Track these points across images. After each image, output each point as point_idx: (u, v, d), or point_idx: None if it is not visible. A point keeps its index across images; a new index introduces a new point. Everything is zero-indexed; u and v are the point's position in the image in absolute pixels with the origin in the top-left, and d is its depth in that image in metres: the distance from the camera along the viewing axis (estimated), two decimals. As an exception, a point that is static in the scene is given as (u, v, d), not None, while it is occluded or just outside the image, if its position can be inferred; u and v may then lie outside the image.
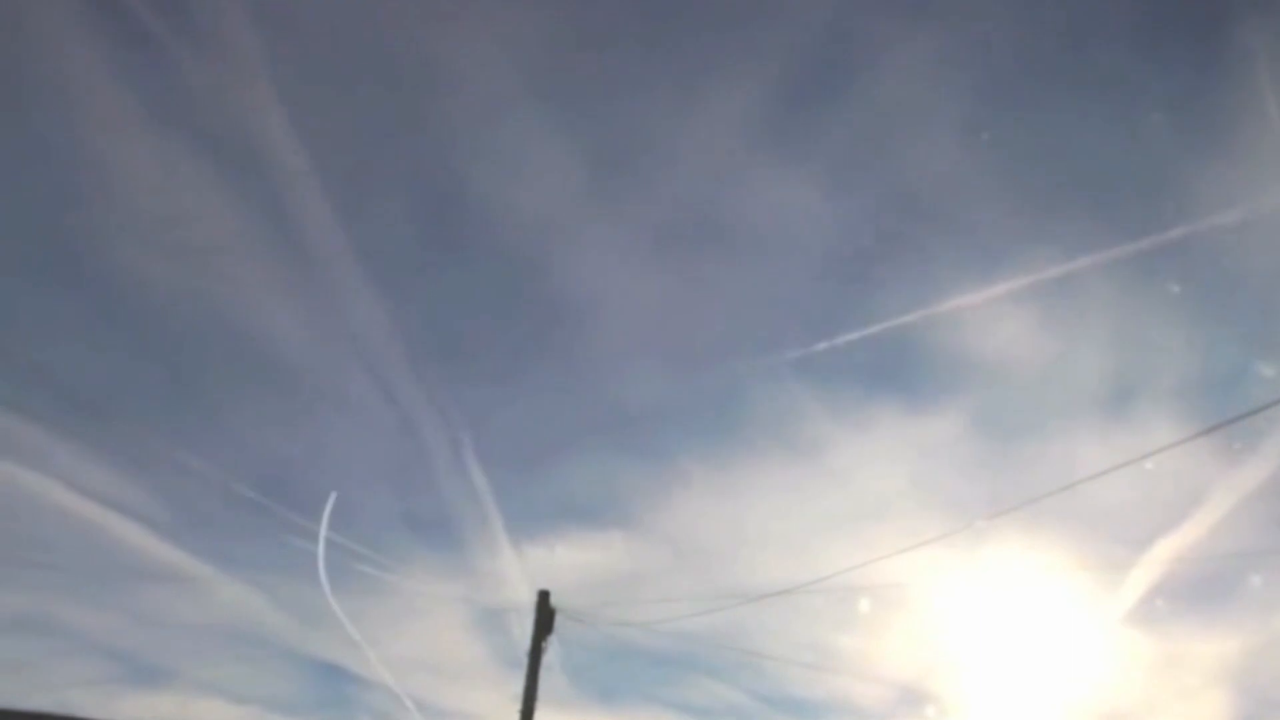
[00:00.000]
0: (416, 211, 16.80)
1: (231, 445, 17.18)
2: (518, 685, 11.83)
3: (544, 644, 12.59)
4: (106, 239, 16.45)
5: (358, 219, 15.92)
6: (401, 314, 16.83)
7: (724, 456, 16.97)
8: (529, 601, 12.58)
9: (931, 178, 14.77)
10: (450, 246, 17.53)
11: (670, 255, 16.42)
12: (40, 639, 15.89)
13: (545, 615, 12.68)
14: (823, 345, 13.60)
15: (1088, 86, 12.58)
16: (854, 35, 13.42)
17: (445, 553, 16.00)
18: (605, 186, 12.35)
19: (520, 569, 12.70)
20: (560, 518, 17.35)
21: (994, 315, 13.23)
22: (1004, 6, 13.37)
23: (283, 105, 14.97)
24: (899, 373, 15.89)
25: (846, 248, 15.53)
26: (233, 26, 14.68)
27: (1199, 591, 13.74)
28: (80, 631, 16.20)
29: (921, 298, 13.77)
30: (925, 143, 14.38)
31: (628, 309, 17.07)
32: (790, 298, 16.07)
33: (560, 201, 12.23)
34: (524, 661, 12.21)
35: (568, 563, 14.55)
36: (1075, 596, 13.56)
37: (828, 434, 15.86)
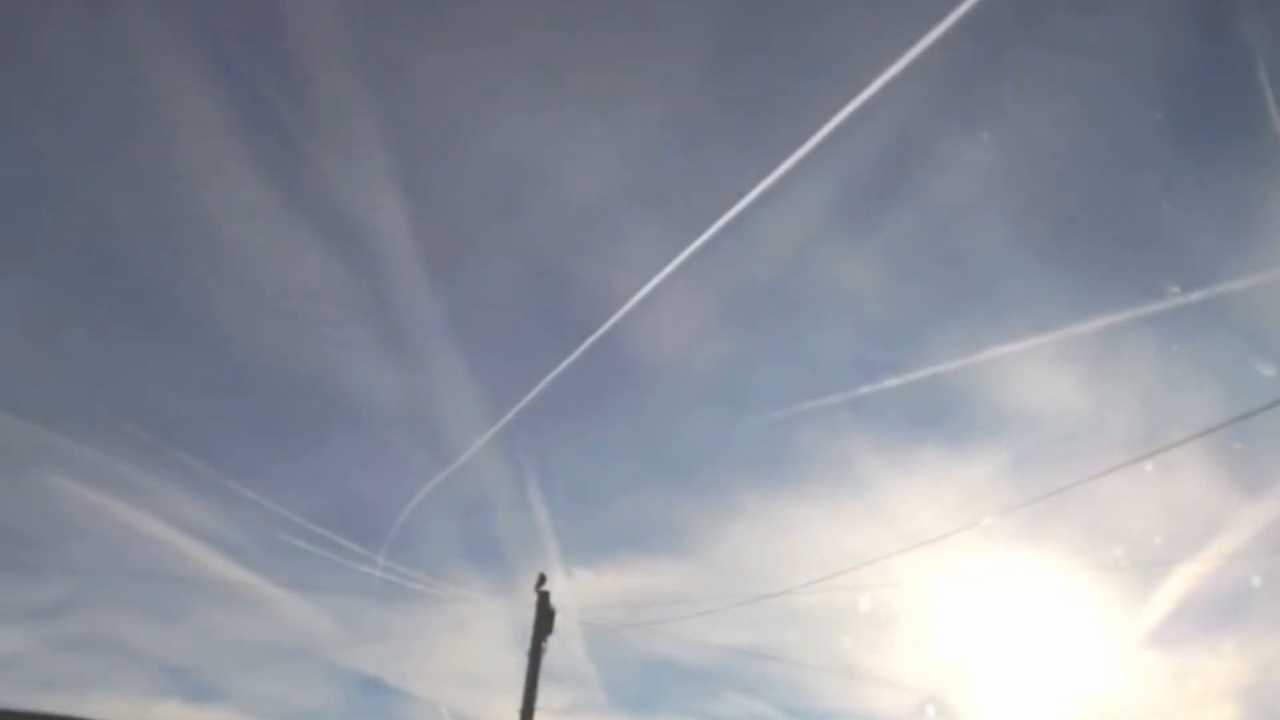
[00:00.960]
0: (506, 286, 18.81)
1: (317, 482, 19.08)
2: (551, 697, 12.00)
3: (544, 644, 12.61)
4: (223, 301, 18.35)
5: (453, 292, 18.05)
6: (483, 371, 18.29)
7: (775, 490, 17.96)
8: (573, 624, 12.72)
9: (979, 249, 16.29)
10: (537, 314, 19.35)
11: (739, 316, 18.05)
12: (104, 655, 17.06)
13: (545, 616, 12.71)
14: (867, 389, 14.22)
15: (1126, 164, 13.38)
16: (918, 142, 15.28)
17: (497, 576, 17.71)
18: (690, 265, 13.94)
19: (568, 590, 13.39)
20: (612, 545, 18.46)
21: (1033, 367, 14.03)
22: (1047, 112, 14.61)
23: (395, 189, 16.80)
24: (943, 418, 16.67)
25: (899, 309, 16.85)
26: (357, 120, 16.42)
27: (1215, 613, 13.99)
28: (143, 649, 17.35)
29: (964, 348, 14.59)
30: (976, 224, 16.08)
31: (695, 361, 18.51)
32: (844, 349, 17.41)
33: (643, 276, 13.80)
34: (560, 676, 12.31)
35: (614, 585, 15.34)
36: (1097, 616, 13.90)
37: (874, 472, 16.66)
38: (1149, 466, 9.73)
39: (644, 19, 15.48)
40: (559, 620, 12.67)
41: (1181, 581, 14.04)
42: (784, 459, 17.88)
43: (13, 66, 15.82)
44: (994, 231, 16.03)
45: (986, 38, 12.15)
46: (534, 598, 12.65)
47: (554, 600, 12.54)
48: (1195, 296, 11.58)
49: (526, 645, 12.21)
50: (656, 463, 19.53)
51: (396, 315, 17.96)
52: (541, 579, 12.83)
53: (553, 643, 12.29)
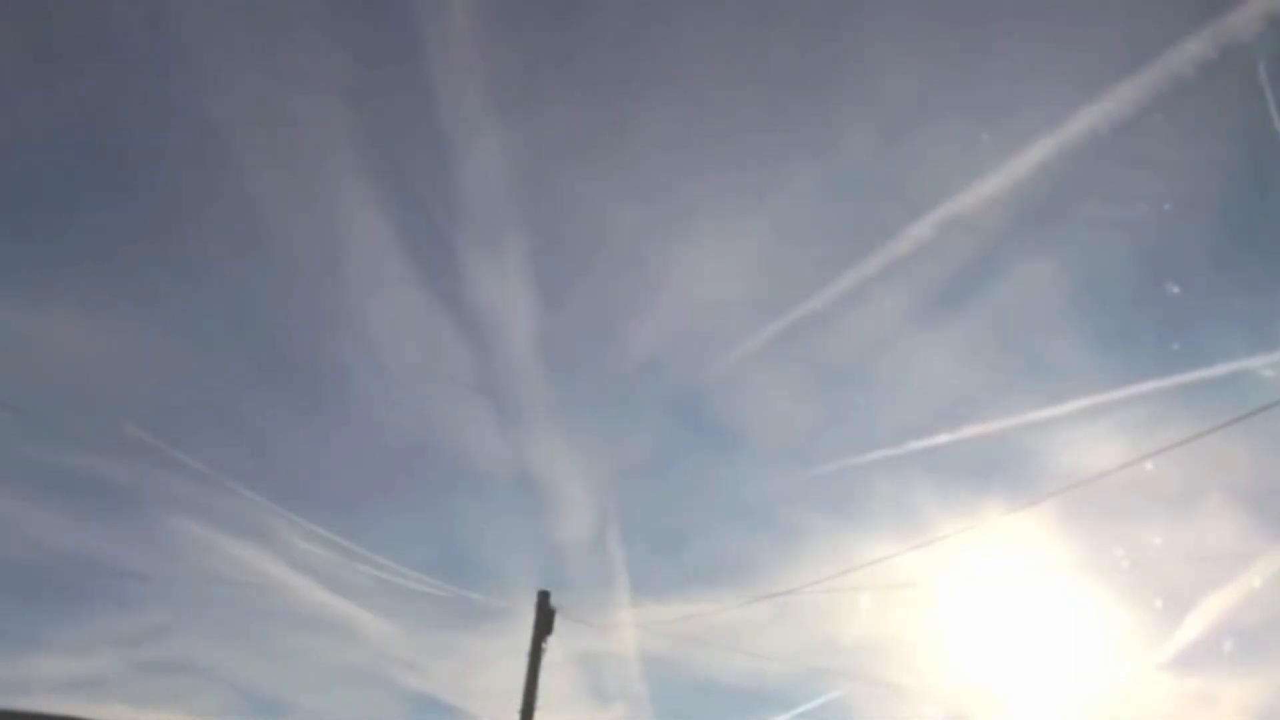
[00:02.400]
0: (614, 371, 20.41)
1: (426, 533, 20.46)
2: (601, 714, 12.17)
3: (544, 644, 12.60)
4: (361, 374, 20.25)
5: (567, 376, 19.76)
6: (585, 441, 19.95)
7: (842, 532, 19.10)
8: (631, 651, 13.31)
9: (1040, 343, 18.47)
10: (640, 397, 20.92)
11: (820, 390, 20.08)
12: (184, 677, 18.13)
13: (545, 616, 12.69)
14: (929, 444, 15.73)
15: (1174, 277, 15.27)
16: (991, 262, 17.61)
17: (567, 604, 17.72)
18: (783, 349, 17.19)
19: (632, 618, 14.78)
20: (682, 580, 19.90)
21: (1083, 428, 15.36)
22: (1105, 246, 16.93)
23: (526, 282, 18.58)
24: (999, 474, 17.79)
25: (964, 385, 18.82)
26: (499, 219, 18.17)
27: (1239, 642, 14.33)
28: (223, 671, 18.25)
29: (1019, 412, 16.16)
30: (1039, 324, 18.42)
31: (776, 424, 20.31)
32: (912, 415, 18.64)
33: (737, 353, 17.19)
34: (612, 696, 12.40)
35: (673, 614, 16.12)
36: (1122, 642, 14.45)
37: (936, 519, 17.83)
38: (1149, 465, 9.81)
39: (760, 157, 18.07)
40: (614, 646, 12.68)
41: (1206, 613, 14.33)
42: (852, 505, 19.02)
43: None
44: (1056, 329, 18.25)
45: (1052, 181, 13.90)
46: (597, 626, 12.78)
47: (617, 628, 12.69)
48: (1224, 369, 13.08)
49: (585, 666, 12.37)
50: (731, 508, 20.96)
51: (514, 395, 19.63)
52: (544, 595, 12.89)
53: (607, 664, 12.47)
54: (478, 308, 19.67)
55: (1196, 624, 14.30)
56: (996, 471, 17.67)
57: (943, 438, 15.67)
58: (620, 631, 13.96)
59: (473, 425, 20.19)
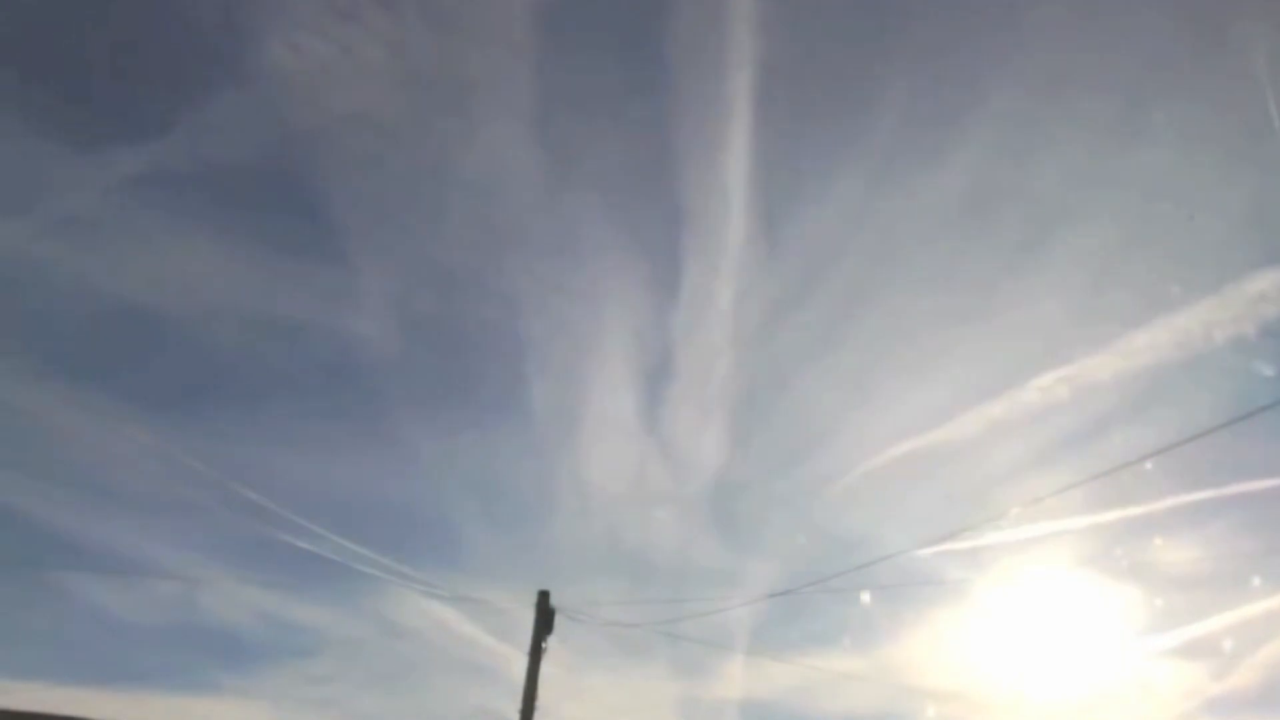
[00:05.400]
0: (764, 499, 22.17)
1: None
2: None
3: (544, 644, 12.53)
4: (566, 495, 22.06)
5: (739, 491, 22.04)
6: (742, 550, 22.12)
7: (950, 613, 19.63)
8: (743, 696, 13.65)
9: None
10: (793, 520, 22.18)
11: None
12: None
13: (545, 615, 12.62)
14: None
15: None
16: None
17: (684, 663, 19.43)
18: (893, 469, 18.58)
19: (742, 674, 16.38)
20: (798, 641, 20.36)
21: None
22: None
23: (720, 423, 21.86)
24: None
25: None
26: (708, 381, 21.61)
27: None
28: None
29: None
30: None
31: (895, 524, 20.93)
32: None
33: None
34: None
35: (786, 671, 17.75)
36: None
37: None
38: (1149, 464, 10.08)
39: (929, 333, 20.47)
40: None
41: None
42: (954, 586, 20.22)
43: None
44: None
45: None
46: (707, 686, 12.81)
47: (725, 682, 12.77)
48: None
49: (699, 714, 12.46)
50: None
51: (699, 503, 22.07)
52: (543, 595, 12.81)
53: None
54: (678, 444, 22.44)
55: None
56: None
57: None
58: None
59: (664, 526, 22.39)
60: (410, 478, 23.36)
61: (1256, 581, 13.48)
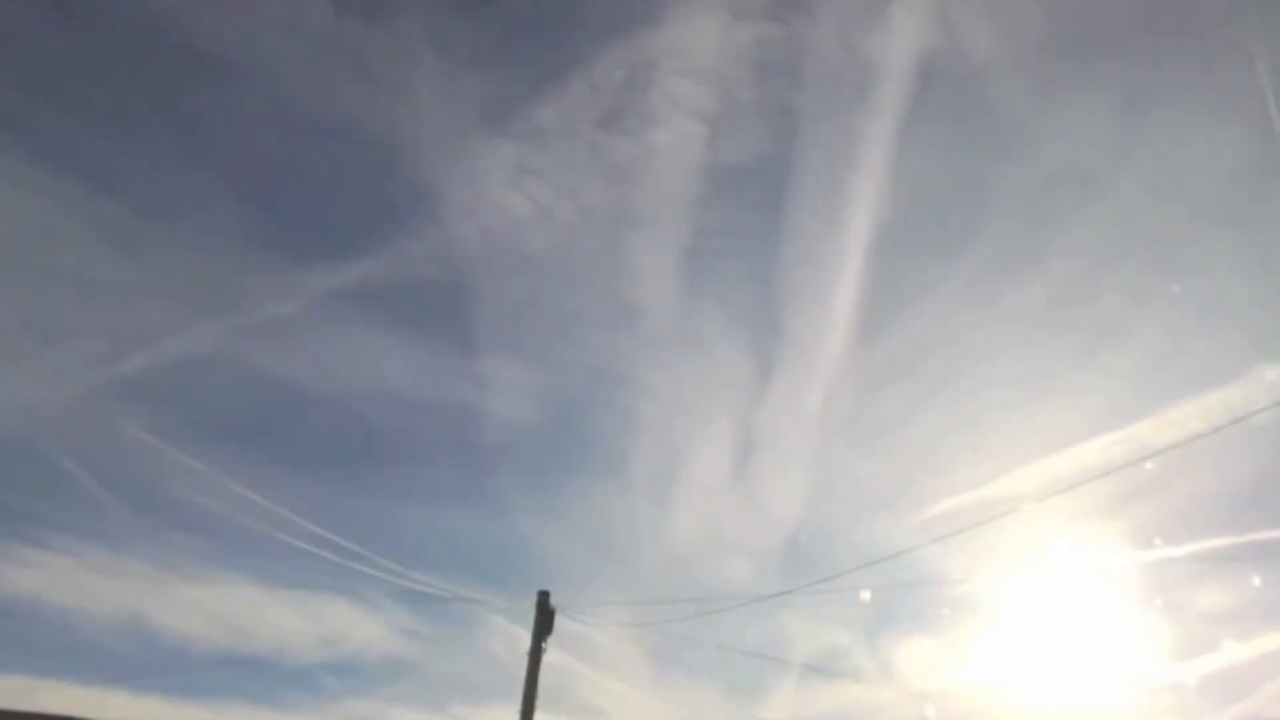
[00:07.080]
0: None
1: None
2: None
3: (544, 644, 12.23)
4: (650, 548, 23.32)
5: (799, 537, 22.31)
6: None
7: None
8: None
9: None
10: None
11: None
12: None
13: (545, 615, 12.33)
14: None
15: None
16: None
17: (745, 689, 19.40)
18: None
19: (792, 698, 16.47)
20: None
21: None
22: None
23: (796, 479, 22.98)
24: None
25: None
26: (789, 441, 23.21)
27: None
28: None
29: None
30: None
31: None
32: None
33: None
34: None
35: (835, 695, 18.10)
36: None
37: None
38: (1150, 464, 10.58)
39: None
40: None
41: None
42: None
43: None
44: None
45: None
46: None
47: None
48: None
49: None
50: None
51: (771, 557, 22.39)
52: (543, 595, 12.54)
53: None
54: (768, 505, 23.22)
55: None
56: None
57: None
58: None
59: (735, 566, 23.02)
60: (532, 530, 24.64)
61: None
